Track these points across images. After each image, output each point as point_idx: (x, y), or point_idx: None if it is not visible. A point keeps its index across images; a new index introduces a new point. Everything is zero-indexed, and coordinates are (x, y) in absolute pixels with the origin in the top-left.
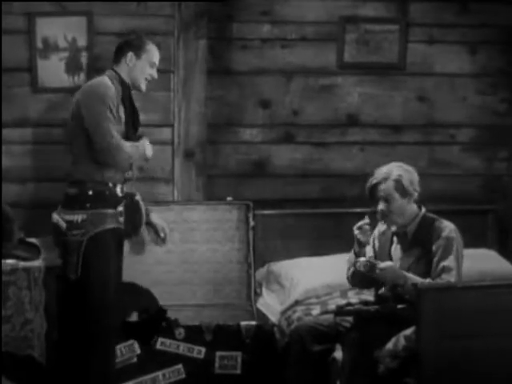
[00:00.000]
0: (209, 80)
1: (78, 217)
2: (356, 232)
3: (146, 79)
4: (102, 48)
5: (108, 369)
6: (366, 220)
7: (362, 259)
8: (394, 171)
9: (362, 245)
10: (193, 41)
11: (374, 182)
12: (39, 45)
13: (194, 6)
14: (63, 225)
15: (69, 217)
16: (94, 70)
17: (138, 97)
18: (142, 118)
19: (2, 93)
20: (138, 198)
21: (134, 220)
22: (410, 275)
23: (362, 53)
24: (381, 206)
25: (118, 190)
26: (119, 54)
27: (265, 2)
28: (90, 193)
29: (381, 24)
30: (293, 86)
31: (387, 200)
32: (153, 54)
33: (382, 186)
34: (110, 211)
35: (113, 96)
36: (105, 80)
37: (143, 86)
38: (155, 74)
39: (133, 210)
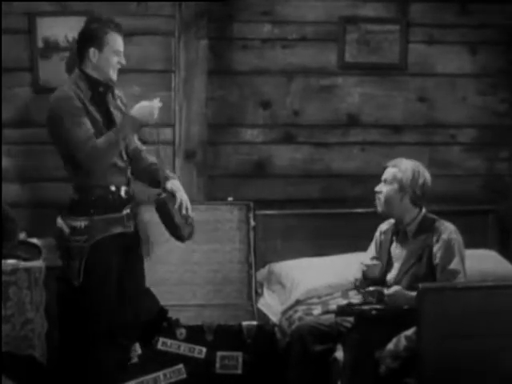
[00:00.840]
0: (209, 80)
1: (81, 223)
2: (364, 269)
3: (114, 68)
4: None
5: (107, 369)
6: (376, 262)
7: (370, 289)
8: (405, 164)
9: (370, 278)
10: (193, 41)
11: (390, 163)
12: (40, 44)
13: (194, 5)
14: (67, 230)
15: (73, 222)
16: None
17: (139, 97)
18: None
19: (3, 93)
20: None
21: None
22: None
23: (362, 53)
24: (378, 187)
25: (123, 192)
26: (81, 51)
27: (265, 2)
28: (93, 198)
29: (381, 24)
30: (293, 86)
31: (386, 182)
32: (115, 42)
33: (389, 170)
34: (115, 216)
35: (74, 104)
36: (60, 92)
37: (114, 76)
38: (123, 60)
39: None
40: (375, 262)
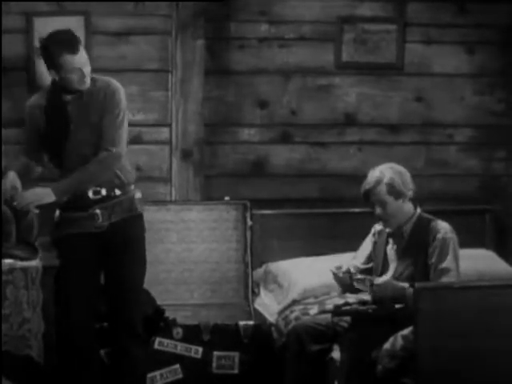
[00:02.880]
0: (206, 80)
1: (56, 217)
2: (355, 283)
3: (78, 82)
4: (100, 48)
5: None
6: (344, 272)
7: (359, 277)
8: (386, 175)
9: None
10: (190, 41)
11: (367, 187)
12: (37, 44)
13: (191, 5)
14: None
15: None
16: (91, 69)
17: (136, 96)
18: (141, 117)
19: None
20: None
21: None
22: (408, 285)
23: (359, 53)
24: (377, 211)
25: (91, 193)
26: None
27: (262, 1)
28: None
29: (378, 24)
30: (290, 86)
31: (382, 204)
32: (69, 62)
33: (376, 191)
34: (78, 214)
35: (30, 112)
36: (29, 101)
37: (81, 87)
38: (82, 75)
39: None
40: (343, 270)
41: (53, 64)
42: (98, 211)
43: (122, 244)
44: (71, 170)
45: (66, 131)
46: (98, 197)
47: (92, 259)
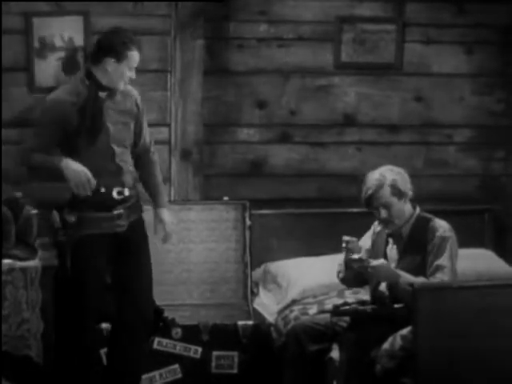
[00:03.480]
0: (205, 80)
1: (70, 218)
2: (344, 244)
3: (125, 81)
4: None
5: (88, 369)
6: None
7: (355, 256)
8: (387, 177)
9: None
10: (190, 41)
11: (370, 192)
12: (36, 44)
13: (190, 5)
14: (57, 224)
15: (63, 217)
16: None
17: None
18: None
19: None
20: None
21: None
22: (403, 273)
23: (358, 53)
24: (383, 214)
25: (115, 193)
26: (98, 55)
27: (261, 1)
28: (81, 197)
29: (377, 24)
30: (289, 86)
31: (386, 206)
32: (134, 59)
33: (379, 195)
34: (103, 215)
35: (57, 107)
36: (52, 96)
37: (120, 87)
38: (133, 75)
39: None
40: (355, 239)
41: (117, 53)
42: (122, 211)
43: (138, 243)
44: (92, 166)
45: (100, 128)
46: (122, 197)
47: (107, 259)
